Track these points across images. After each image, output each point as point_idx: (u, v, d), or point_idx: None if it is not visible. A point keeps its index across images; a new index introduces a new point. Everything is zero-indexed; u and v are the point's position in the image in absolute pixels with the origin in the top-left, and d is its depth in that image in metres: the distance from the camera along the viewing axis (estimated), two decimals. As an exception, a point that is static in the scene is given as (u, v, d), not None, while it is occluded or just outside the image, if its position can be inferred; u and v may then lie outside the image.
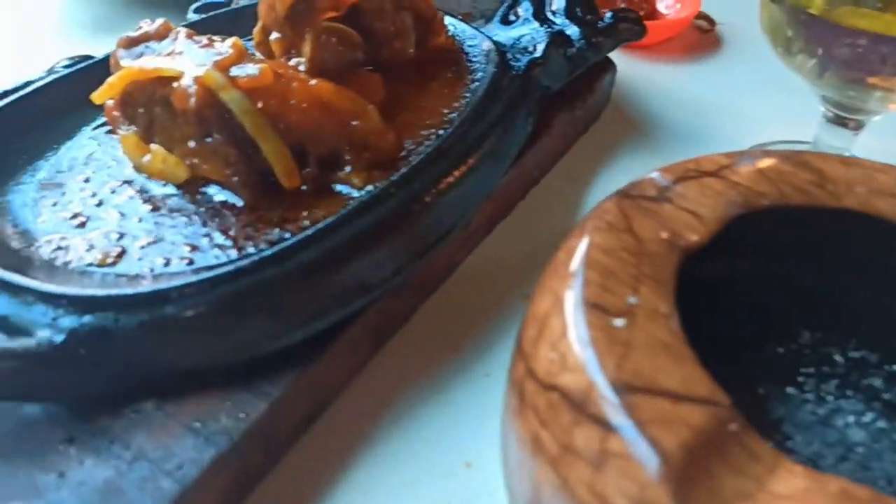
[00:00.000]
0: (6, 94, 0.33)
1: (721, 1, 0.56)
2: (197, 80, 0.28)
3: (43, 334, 0.23)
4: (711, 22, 0.55)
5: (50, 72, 0.36)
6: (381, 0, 0.35)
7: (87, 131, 0.33)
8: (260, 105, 0.28)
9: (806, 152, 0.26)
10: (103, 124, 0.33)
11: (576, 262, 0.22)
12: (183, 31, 0.30)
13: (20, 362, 0.22)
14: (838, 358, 0.25)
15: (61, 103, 0.33)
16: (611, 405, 0.18)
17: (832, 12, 0.31)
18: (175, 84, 0.28)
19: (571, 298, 0.21)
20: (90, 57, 0.37)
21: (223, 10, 0.41)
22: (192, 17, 0.42)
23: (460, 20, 0.43)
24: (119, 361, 0.23)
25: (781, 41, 0.34)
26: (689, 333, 0.19)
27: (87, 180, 0.31)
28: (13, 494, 0.21)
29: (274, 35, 0.33)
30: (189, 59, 0.29)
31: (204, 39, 0.30)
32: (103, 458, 0.22)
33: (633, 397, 0.18)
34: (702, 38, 0.54)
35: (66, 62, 0.36)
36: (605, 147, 0.42)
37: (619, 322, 0.20)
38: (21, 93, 0.33)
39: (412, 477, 0.25)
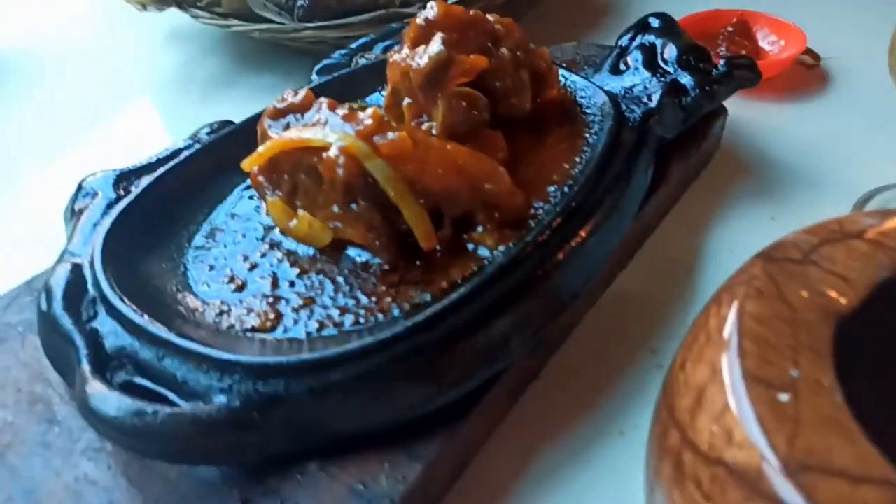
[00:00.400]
0: (160, 161, 0.36)
1: (825, 34, 0.55)
2: (343, 150, 0.30)
3: (220, 400, 0.24)
4: (816, 57, 0.54)
5: (194, 139, 0.38)
6: (503, 60, 0.37)
7: (234, 196, 0.36)
8: (400, 171, 0.30)
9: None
10: (248, 187, 0.36)
11: (730, 331, 0.23)
12: (325, 102, 0.32)
13: (199, 427, 0.24)
14: None
15: (209, 170, 0.36)
16: (786, 485, 0.18)
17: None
18: (323, 154, 0.30)
19: (731, 370, 0.21)
20: (229, 122, 0.40)
21: (343, 71, 0.44)
22: (314, 78, 0.44)
23: (570, 70, 0.44)
24: (287, 425, 0.25)
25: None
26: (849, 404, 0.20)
27: (238, 244, 0.33)
28: None
29: (406, 100, 0.35)
30: (333, 129, 0.31)
31: (345, 109, 0.32)
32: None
33: (808, 477, 0.18)
34: (807, 73, 0.53)
35: (208, 129, 0.39)
36: (717, 191, 0.42)
37: (783, 397, 0.20)
38: (174, 162, 0.35)
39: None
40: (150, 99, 0.58)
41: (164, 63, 0.62)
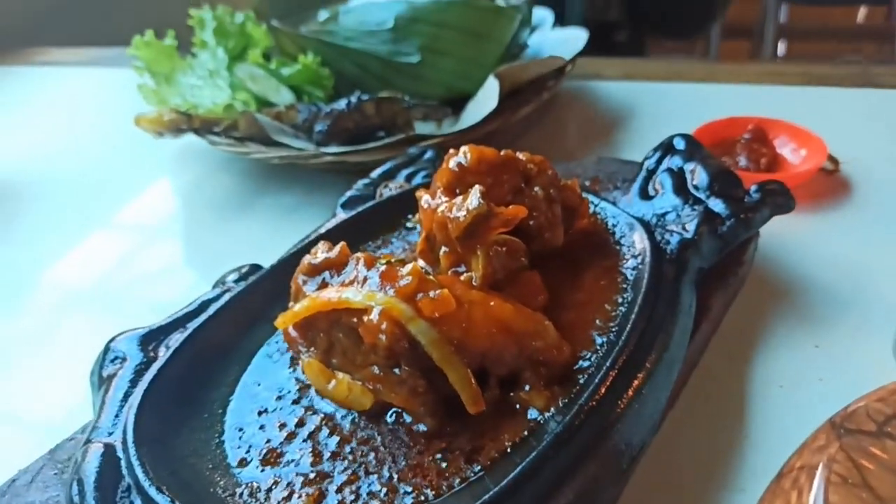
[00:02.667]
0: (187, 317, 0.35)
1: (840, 137, 0.55)
2: (385, 313, 0.29)
3: None
4: (836, 162, 0.54)
5: (221, 285, 0.37)
6: (536, 199, 0.36)
7: (264, 352, 0.34)
8: (445, 333, 0.29)
9: None
10: (278, 341, 0.35)
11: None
12: (362, 258, 0.32)
13: None
14: None
15: (239, 324, 0.35)
16: None
17: None
18: (364, 318, 0.29)
19: None
20: (256, 266, 0.39)
21: (369, 205, 0.43)
22: (339, 211, 0.44)
23: (598, 196, 0.43)
24: None
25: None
26: None
27: (274, 410, 0.31)
28: None
29: (443, 249, 0.34)
30: (372, 289, 0.30)
31: (383, 265, 0.31)
32: None
33: None
34: (828, 179, 0.53)
35: (235, 275, 0.38)
36: (755, 316, 0.41)
37: None
38: (202, 319, 0.34)
39: None
40: (165, 223, 0.58)
41: (177, 183, 0.62)
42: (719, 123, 0.56)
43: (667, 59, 0.73)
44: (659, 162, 0.44)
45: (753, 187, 0.40)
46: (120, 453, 0.28)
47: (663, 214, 0.40)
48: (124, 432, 0.29)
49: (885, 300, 0.41)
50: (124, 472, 0.27)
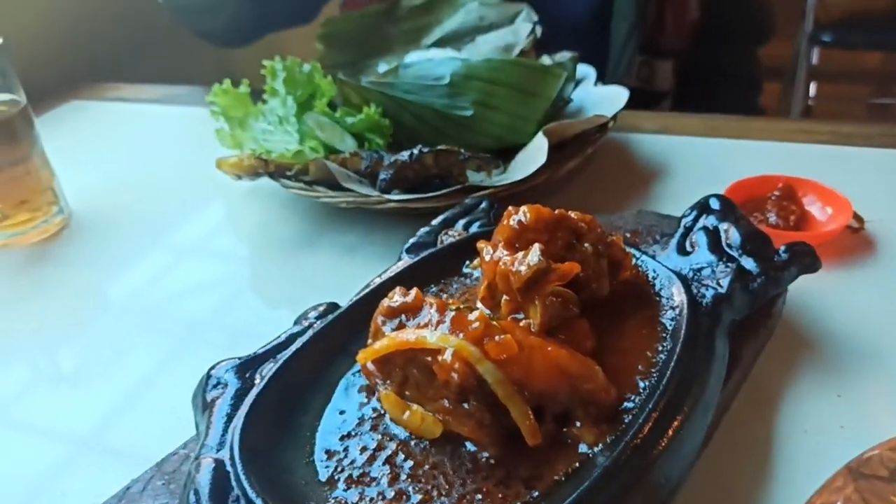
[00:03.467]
0: (277, 348, 0.40)
1: (866, 197, 0.59)
2: (457, 354, 0.33)
3: None
4: (861, 220, 0.58)
5: (303, 321, 0.42)
6: (586, 254, 0.41)
7: (345, 383, 0.39)
8: (508, 374, 0.33)
9: None
10: (356, 373, 0.39)
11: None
12: (435, 303, 0.36)
13: None
14: None
15: (323, 356, 0.40)
16: None
17: None
18: (438, 357, 0.34)
19: None
20: (334, 304, 0.44)
21: (432, 251, 0.48)
22: (404, 256, 0.49)
23: (636, 244, 0.48)
24: None
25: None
26: None
27: (355, 435, 0.36)
28: None
29: (504, 298, 0.39)
30: (444, 332, 0.35)
31: (453, 311, 0.36)
32: None
33: None
34: (854, 238, 0.57)
35: (315, 313, 0.43)
36: (782, 367, 0.45)
37: None
38: (291, 350, 0.39)
39: None
40: (238, 258, 0.63)
41: (248, 221, 0.67)
42: (751, 181, 0.60)
43: (701, 114, 0.78)
44: (696, 220, 0.48)
45: (782, 248, 0.45)
46: (228, 467, 0.33)
47: (699, 269, 0.44)
48: (231, 449, 0.33)
49: (905, 354, 0.45)
50: (233, 484, 0.32)
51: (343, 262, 0.59)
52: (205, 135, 0.72)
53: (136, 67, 1.13)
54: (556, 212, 0.42)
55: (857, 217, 0.58)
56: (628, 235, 0.52)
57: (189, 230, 0.67)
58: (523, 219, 0.40)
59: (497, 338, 0.34)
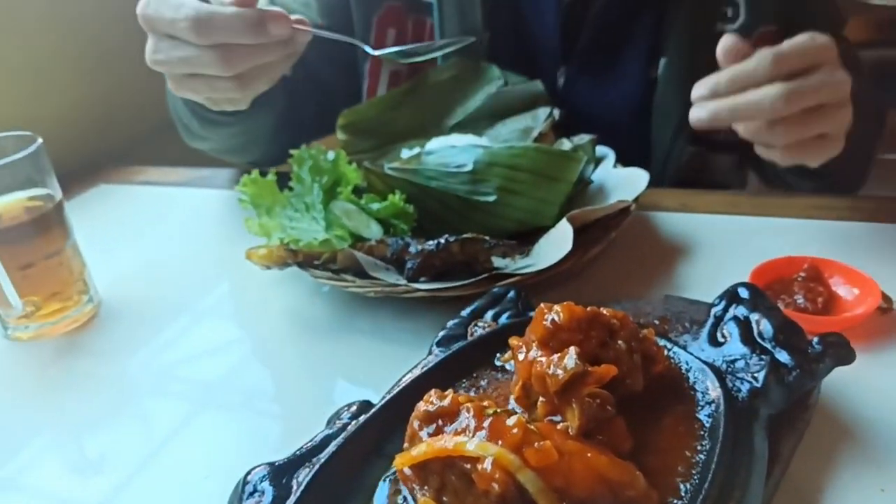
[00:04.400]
0: (311, 452, 0.40)
1: (892, 275, 0.59)
2: (496, 463, 0.33)
3: None
4: (890, 301, 0.57)
5: (336, 421, 0.43)
6: (619, 351, 0.41)
7: (382, 489, 0.39)
8: (549, 482, 0.33)
9: None
10: (392, 476, 0.39)
11: None
12: (472, 408, 0.36)
13: None
14: None
15: (358, 459, 0.40)
16: None
17: None
18: (478, 466, 0.34)
19: None
20: (367, 403, 0.44)
21: (462, 344, 0.48)
22: (435, 349, 0.49)
23: (665, 333, 0.48)
24: None
25: None
26: None
27: (395, 544, 0.36)
28: None
29: (540, 399, 0.39)
30: (482, 439, 0.35)
31: (490, 416, 0.36)
32: None
33: None
34: (882, 320, 0.56)
35: (348, 414, 0.43)
36: (820, 457, 0.44)
37: None
38: (326, 455, 0.39)
39: None
40: (266, 344, 0.63)
41: (276, 307, 0.68)
42: (777, 262, 0.60)
43: (719, 190, 0.78)
44: (725, 310, 0.48)
45: (815, 339, 0.44)
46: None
47: (733, 361, 0.44)
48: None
49: (948, 445, 0.44)
50: None
51: (372, 349, 0.59)
52: (231, 217, 0.74)
53: (162, 152, 1.16)
54: (589, 309, 0.42)
55: (885, 297, 0.57)
56: (657, 323, 0.52)
57: (218, 317, 0.68)
58: (557, 318, 0.41)
59: (536, 444, 0.34)
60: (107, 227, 0.89)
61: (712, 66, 0.60)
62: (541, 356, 0.39)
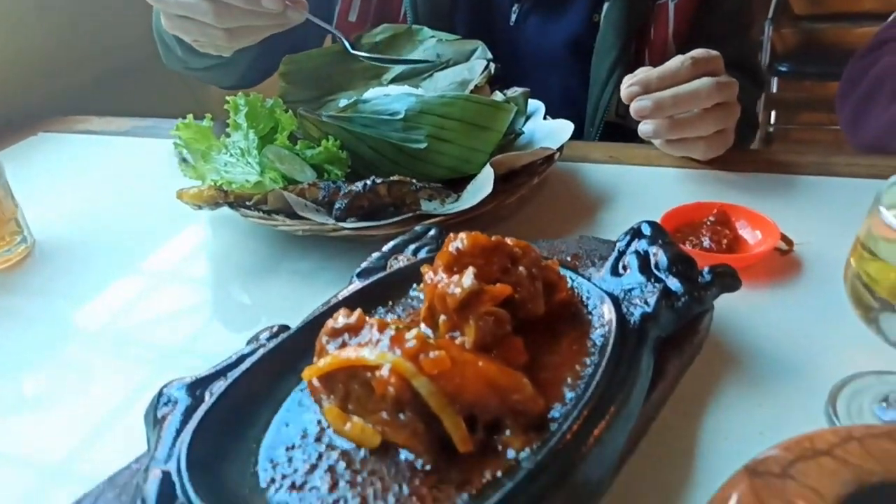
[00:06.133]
0: (228, 368, 0.42)
1: (794, 220, 0.62)
2: (393, 370, 0.36)
3: None
4: (790, 243, 0.61)
5: (255, 341, 0.45)
6: (520, 276, 0.43)
7: (292, 398, 0.41)
8: (441, 387, 0.36)
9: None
10: (303, 390, 0.41)
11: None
12: (375, 323, 0.39)
13: None
14: None
15: (272, 375, 0.42)
16: None
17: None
18: (376, 373, 0.36)
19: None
20: (285, 326, 0.46)
21: (380, 275, 0.51)
22: (355, 279, 0.51)
23: (574, 267, 0.51)
24: None
25: (864, 312, 0.40)
26: None
27: (299, 446, 0.38)
28: None
29: (442, 318, 0.41)
30: (383, 349, 0.37)
31: (392, 331, 0.38)
32: None
33: None
34: (783, 260, 0.60)
35: (267, 333, 0.45)
36: (708, 380, 0.48)
37: None
38: (241, 369, 0.41)
39: None
40: (198, 283, 0.65)
41: (209, 248, 0.69)
42: (688, 207, 0.64)
43: (647, 146, 0.82)
44: (628, 244, 0.51)
45: (706, 269, 0.48)
46: (175, 478, 0.34)
47: (630, 290, 0.47)
48: (178, 461, 0.35)
49: (822, 368, 0.48)
50: (179, 493, 0.34)
51: (300, 286, 0.61)
52: (171, 166, 0.75)
53: (108, 102, 1.15)
54: (493, 238, 0.44)
55: (786, 240, 0.61)
56: (569, 259, 0.55)
57: (152, 258, 0.69)
58: (460, 245, 0.43)
59: (431, 354, 0.37)
60: (44, 173, 0.88)
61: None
62: (444, 279, 0.42)
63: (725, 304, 0.54)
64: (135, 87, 1.23)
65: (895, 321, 0.39)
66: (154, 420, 0.39)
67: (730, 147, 0.76)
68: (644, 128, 0.72)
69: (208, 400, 0.39)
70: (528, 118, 0.78)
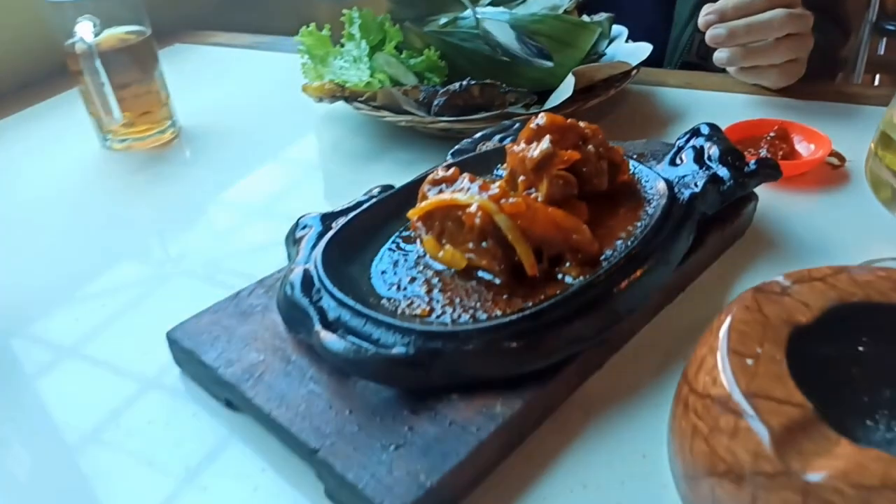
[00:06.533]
0: (350, 209, 0.53)
1: (851, 141, 0.68)
2: (480, 207, 0.46)
3: (399, 350, 0.40)
4: (842, 159, 0.67)
5: (369, 195, 0.56)
6: (588, 153, 0.52)
7: (397, 234, 0.52)
8: (517, 223, 0.46)
9: (891, 269, 0.39)
10: (405, 230, 0.52)
11: (724, 328, 0.37)
12: (467, 176, 0.49)
13: (389, 363, 0.39)
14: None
15: (381, 217, 0.53)
16: (743, 404, 0.32)
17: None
18: (466, 210, 0.46)
19: (721, 347, 0.35)
20: (390, 186, 0.57)
21: (471, 154, 0.60)
22: (449, 158, 0.61)
23: (639, 161, 0.59)
24: (441, 369, 0.40)
25: (884, 194, 0.47)
26: (808, 384, 0.33)
27: (402, 267, 0.49)
28: (383, 435, 0.38)
29: (521, 178, 0.51)
30: (473, 194, 0.47)
31: (481, 181, 0.48)
32: (433, 422, 0.38)
33: (755, 400, 0.32)
34: (833, 173, 0.66)
35: (378, 189, 0.56)
36: (746, 258, 0.56)
37: (749, 361, 0.34)
38: (359, 209, 0.52)
39: (604, 460, 0.39)
40: (314, 168, 0.77)
41: (324, 139, 0.81)
42: (751, 123, 0.70)
43: (723, 74, 0.87)
44: (687, 141, 0.59)
45: (752, 161, 0.55)
46: (313, 272, 0.46)
47: (683, 177, 0.56)
48: (315, 261, 0.47)
49: (849, 256, 0.55)
50: (315, 282, 0.45)
51: (400, 173, 0.72)
52: (290, 74, 0.86)
53: (225, 22, 1.28)
54: (568, 120, 0.53)
55: (838, 156, 0.67)
56: (635, 156, 0.64)
57: (276, 145, 0.81)
58: (541, 122, 0.52)
59: (511, 199, 0.47)
60: (185, 75, 1.02)
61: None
62: (524, 147, 0.51)
63: (772, 202, 0.61)
64: (247, 8, 1.36)
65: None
66: (293, 241, 0.51)
67: (801, 78, 0.81)
68: (719, 55, 0.78)
69: (335, 227, 0.51)
70: (611, 41, 0.85)
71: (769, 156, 0.67)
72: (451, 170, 0.50)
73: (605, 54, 0.83)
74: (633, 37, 0.87)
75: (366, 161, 0.75)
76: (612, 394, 0.44)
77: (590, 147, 0.53)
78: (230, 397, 0.43)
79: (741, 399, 0.32)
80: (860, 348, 0.40)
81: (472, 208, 0.46)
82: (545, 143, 0.49)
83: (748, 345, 0.35)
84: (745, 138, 0.69)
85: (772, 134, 0.69)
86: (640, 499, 0.38)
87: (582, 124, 0.54)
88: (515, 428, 0.39)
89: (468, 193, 0.48)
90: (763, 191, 0.59)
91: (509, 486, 0.38)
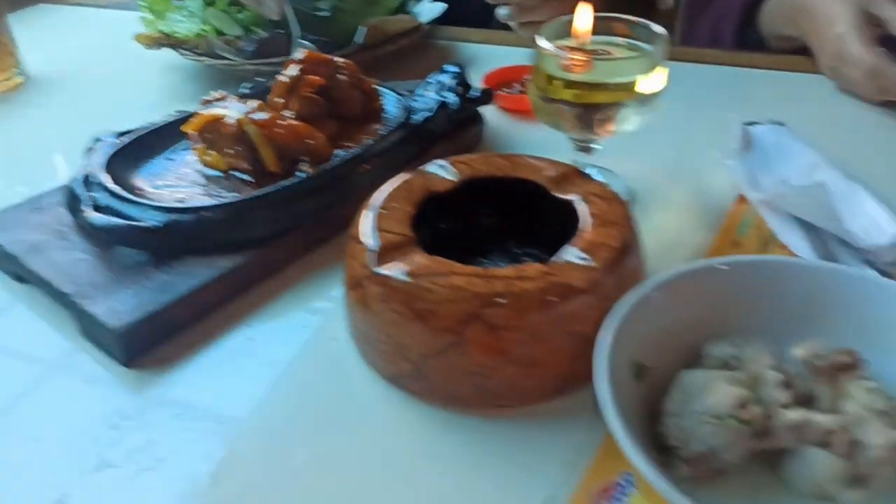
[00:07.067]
0: (144, 128, 0.65)
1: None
2: (237, 120, 0.58)
3: (152, 222, 0.52)
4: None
5: (166, 118, 0.68)
6: (340, 82, 0.66)
7: (177, 146, 0.64)
8: (263, 132, 0.58)
9: (514, 155, 0.53)
10: (184, 141, 0.64)
11: (378, 192, 0.50)
12: (233, 97, 0.61)
13: (144, 232, 0.52)
14: (517, 251, 0.52)
15: (168, 134, 0.65)
16: (365, 236, 0.46)
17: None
18: (225, 122, 0.59)
19: (372, 204, 0.49)
20: (187, 111, 0.69)
21: (261, 86, 0.73)
22: (242, 90, 0.73)
23: (389, 89, 0.72)
24: (183, 237, 0.52)
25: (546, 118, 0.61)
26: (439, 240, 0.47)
27: (176, 168, 0.61)
28: (127, 284, 0.50)
29: (278, 99, 0.64)
30: (233, 110, 0.60)
31: (244, 103, 0.61)
32: (168, 273, 0.51)
33: (377, 233, 0.46)
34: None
35: (175, 113, 0.68)
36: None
37: (385, 211, 0.48)
38: (150, 128, 0.64)
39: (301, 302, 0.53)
40: (150, 107, 0.87)
41: (159, 84, 0.92)
42: (508, 68, 0.84)
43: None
44: (436, 78, 0.73)
45: (475, 89, 0.70)
46: (93, 170, 0.58)
47: (424, 103, 0.69)
48: (96, 164, 0.58)
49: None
50: (92, 177, 0.57)
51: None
52: (137, 27, 0.96)
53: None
54: (325, 56, 0.66)
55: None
56: (403, 92, 0.77)
57: (117, 90, 0.91)
58: (300, 56, 0.65)
59: (260, 114, 0.59)
60: (42, 31, 1.10)
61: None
62: (283, 76, 0.64)
63: (506, 128, 0.76)
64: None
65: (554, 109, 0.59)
66: (88, 151, 0.63)
67: None
68: (500, 11, 0.91)
69: (124, 140, 0.62)
70: (419, 2, 0.98)
71: (523, 92, 0.81)
72: (220, 92, 0.62)
73: (409, 13, 0.96)
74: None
75: (191, 100, 0.86)
76: (329, 263, 0.57)
77: (342, 77, 0.66)
78: (17, 270, 0.54)
79: (367, 232, 0.46)
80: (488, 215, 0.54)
81: (230, 120, 0.59)
82: (294, 69, 0.62)
83: (389, 203, 0.49)
84: (507, 80, 0.84)
85: (528, 76, 0.84)
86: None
87: (340, 60, 0.67)
88: (237, 278, 0.53)
89: (229, 110, 0.60)
90: (502, 120, 0.73)
91: (229, 319, 0.51)
